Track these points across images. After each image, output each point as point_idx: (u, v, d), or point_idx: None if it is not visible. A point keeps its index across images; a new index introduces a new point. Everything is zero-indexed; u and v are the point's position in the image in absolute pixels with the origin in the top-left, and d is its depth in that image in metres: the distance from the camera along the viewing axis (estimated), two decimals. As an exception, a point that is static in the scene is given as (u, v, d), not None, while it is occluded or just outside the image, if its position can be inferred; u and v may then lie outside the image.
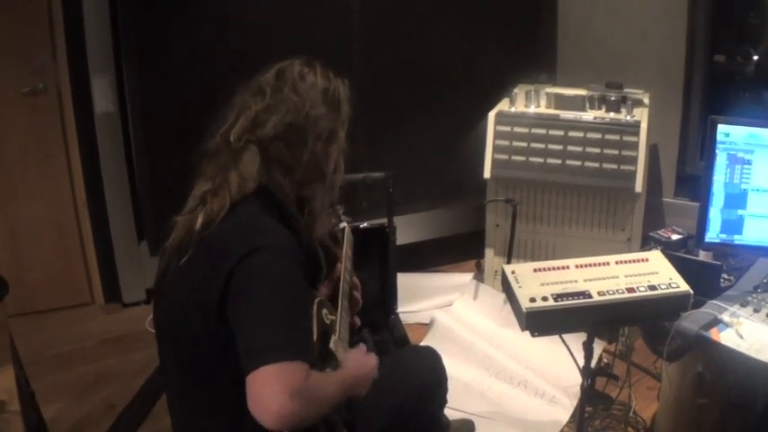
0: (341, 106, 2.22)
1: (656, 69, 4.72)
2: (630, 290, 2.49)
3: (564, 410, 3.54)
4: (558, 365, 3.54)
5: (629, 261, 2.65)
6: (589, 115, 4.16)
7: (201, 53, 4.10)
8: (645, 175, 4.05)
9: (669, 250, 3.10)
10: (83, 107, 4.26)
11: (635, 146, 3.98)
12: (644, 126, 4.00)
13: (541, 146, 4.14)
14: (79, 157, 4.37)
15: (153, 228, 4.34)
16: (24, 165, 4.34)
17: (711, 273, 3.05)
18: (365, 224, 3.93)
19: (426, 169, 4.82)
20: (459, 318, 4.28)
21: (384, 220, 3.93)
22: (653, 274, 2.57)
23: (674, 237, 3.77)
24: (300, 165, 2.14)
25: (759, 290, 2.92)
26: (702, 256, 3.25)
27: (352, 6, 4.46)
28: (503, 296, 4.06)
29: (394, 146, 4.58)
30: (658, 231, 3.89)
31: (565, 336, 2.62)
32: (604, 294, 2.47)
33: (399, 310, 4.21)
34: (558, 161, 4.11)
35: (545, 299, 2.45)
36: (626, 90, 4.30)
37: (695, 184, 4.63)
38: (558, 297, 2.46)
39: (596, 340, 2.67)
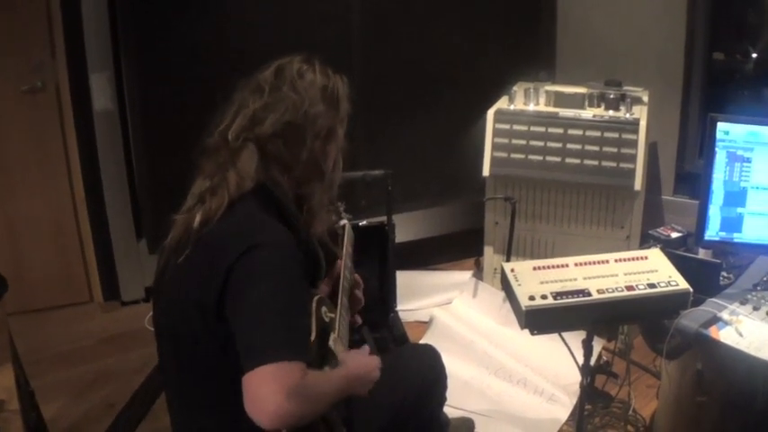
0: (340, 104, 2.22)
1: (655, 67, 4.72)
2: (630, 288, 2.49)
3: (563, 408, 3.54)
4: (558, 363, 3.53)
5: (629, 259, 2.66)
6: (588, 113, 4.16)
7: (201, 50, 4.09)
8: (644, 172, 4.04)
9: (668, 248, 3.10)
10: (82, 105, 4.26)
11: (634, 144, 3.98)
12: (643, 124, 4.00)
13: (540, 144, 4.13)
14: (78, 155, 4.37)
15: (152, 226, 4.34)
16: (23, 162, 4.34)
17: (711, 271, 3.06)
18: (364, 222, 3.92)
19: (425, 167, 4.81)
20: (458, 316, 4.28)
21: (383, 218, 3.93)
22: (652, 272, 2.57)
23: (674, 235, 3.77)
24: (299, 163, 2.13)
25: (758, 288, 2.92)
26: (702, 253, 3.26)
27: (352, 5, 4.45)
28: (502, 294, 4.06)
29: (393, 143, 4.57)
30: (658, 229, 3.89)
31: (564, 334, 2.62)
32: (604, 292, 2.47)
33: (398, 308, 4.21)
34: (558, 159, 4.11)
35: (544, 297, 2.46)
36: (625, 88, 4.30)
37: (694, 181, 4.63)
38: (557, 295, 2.46)
39: (595, 338, 2.67)
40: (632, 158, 3.98)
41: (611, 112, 4.15)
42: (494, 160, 4.20)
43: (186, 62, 4.09)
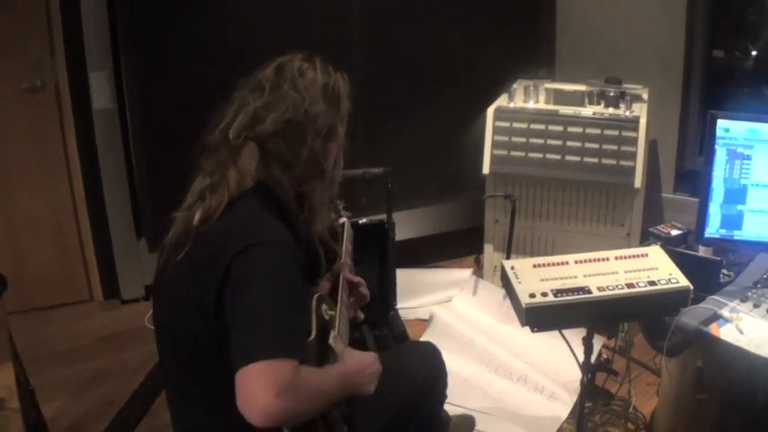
0: (340, 102, 2.22)
1: (655, 65, 4.71)
2: (630, 285, 2.49)
3: (563, 406, 3.54)
4: (558, 361, 3.54)
5: (629, 256, 2.65)
6: (588, 111, 4.16)
7: (200, 49, 4.10)
8: (644, 170, 4.04)
9: (669, 246, 3.10)
10: (81, 104, 4.26)
11: (634, 141, 3.98)
12: (643, 121, 4.00)
13: (540, 141, 4.13)
14: (78, 154, 4.38)
15: (151, 224, 4.35)
16: (23, 161, 4.34)
17: (711, 268, 3.05)
18: (364, 220, 3.92)
19: (425, 165, 4.82)
20: (458, 313, 4.28)
21: (383, 216, 3.94)
22: (652, 269, 2.57)
23: (674, 232, 3.76)
24: (299, 161, 2.13)
25: (759, 285, 2.92)
26: (702, 251, 3.25)
27: (352, 4, 4.46)
28: (502, 292, 4.06)
29: (393, 141, 4.58)
30: (658, 227, 3.88)
31: (564, 331, 2.62)
32: (604, 290, 2.47)
33: (399, 305, 4.22)
34: (557, 157, 4.11)
35: (545, 294, 2.45)
36: (625, 85, 4.30)
37: (694, 179, 4.63)
38: (557, 293, 2.46)
39: (596, 336, 2.67)
40: (632, 156, 3.98)
41: (610, 110, 4.15)
42: (494, 158, 4.20)
43: (186, 61, 4.09)
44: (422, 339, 3.90)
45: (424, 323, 4.23)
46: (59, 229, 4.52)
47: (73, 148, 4.38)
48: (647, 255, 2.66)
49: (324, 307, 2.16)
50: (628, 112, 4.09)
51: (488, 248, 4.49)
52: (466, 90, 4.70)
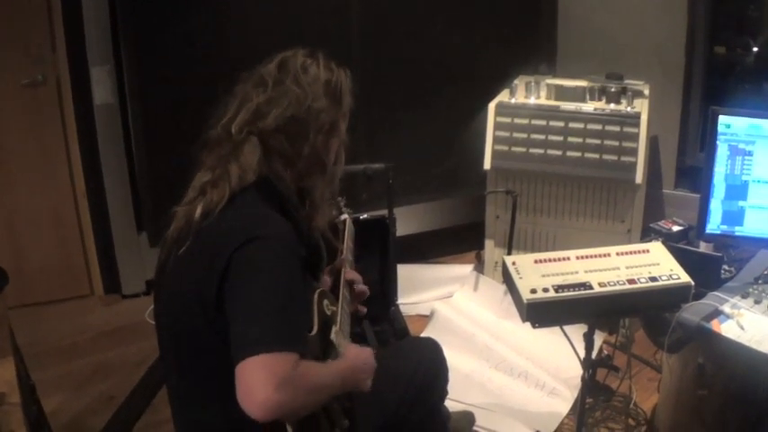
0: (343, 98, 2.21)
1: (656, 61, 4.71)
2: (631, 281, 2.49)
3: (564, 402, 3.55)
4: (559, 357, 3.54)
5: (630, 252, 2.66)
6: (589, 106, 4.16)
7: (201, 44, 4.10)
8: (645, 166, 4.04)
9: (670, 241, 3.10)
10: (82, 98, 4.26)
11: (635, 137, 3.97)
12: (644, 117, 3.99)
13: (542, 137, 4.13)
14: (78, 149, 4.38)
15: (152, 219, 4.34)
16: (24, 156, 4.34)
17: (712, 264, 3.06)
18: (365, 216, 3.92)
19: (426, 160, 4.81)
20: (459, 309, 4.28)
21: (384, 212, 3.93)
22: (654, 265, 2.57)
23: (675, 228, 3.77)
24: (301, 157, 2.13)
25: (760, 281, 2.92)
26: (703, 247, 3.26)
27: (351, -2, 4.46)
28: (503, 287, 4.06)
29: (394, 137, 4.57)
30: (659, 223, 3.89)
31: (565, 327, 2.62)
32: (605, 286, 2.48)
33: (399, 301, 4.22)
34: (559, 152, 4.11)
35: (546, 290, 2.46)
36: (626, 81, 4.29)
37: (695, 175, 4.62)
38: (558, 288, 2.46)
39: (597, 332, 2.66)
40: (633, 152, 3.98)
41: (612, 106, 4.15)
42: (495, 153, 4.19)
43: (186, 56, 4.09)
44: (423, 335, 3.90)
45: (425, 319, 4.23)
46: (60, 223, 4.53)
47: (74, 142, 4.38)
48: (648, 251, 2.66)
49: (325, 302, 2.17)
50: (629, 108, 4.09)
51: (489, 244, 4.49)
52: (467, 86, 4.69)
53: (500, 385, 3.69)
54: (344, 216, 2.89)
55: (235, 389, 1.75)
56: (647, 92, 4.33)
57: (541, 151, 4.13)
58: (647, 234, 3.94)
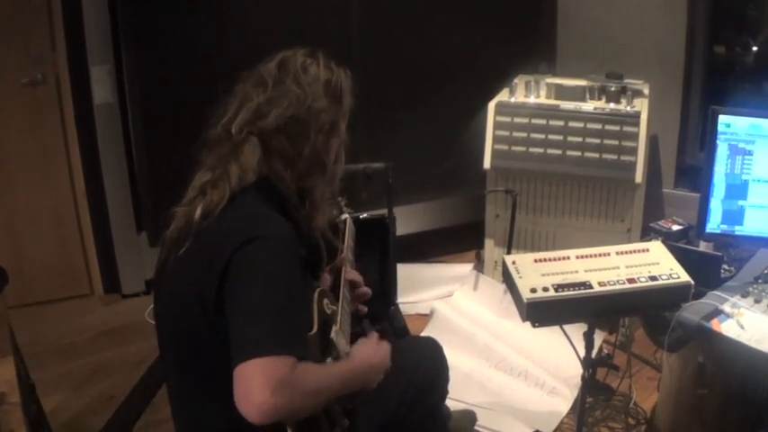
0: (343, 98, 2.21)
1: (656, 60, 4.71)
2: (631, 280, 2.49)
3: (564, 401, 3.55)
4: (559, 356, 3.54)
5: (630, 252, 2.66)
6: (589, 106, 4.16)
7: (201, 43, 4.09)
8: (645, 165, 4.04)
9: (670, 241, 3.10)
10: (82, 97, 4.26)
11: (635, 136, 3.98)
12: (644, 117, 3.99)
13: (541, 136, 4.13)
14: (78, 148, 4.38)
15: (152, 219, 4.34)
16: (23, 155, 4.34)
17: (712, 263, 3.05)
18: (365, 215, 3.92)
19: (426, 160, 4.81)
20: (459, 308, 4.28)
21: (384, 211, 3.93)
22: (654, 264, 2.57)
23: (675, 227, 3.76)
24: (301, 157, 2.13)
25: (760, 280, 2.92)
26: (703, 246, 3.25)
27: (351, -3, 4.46)
28: (503, 287, 4.06)
29: (394, 136, 4.57)
30: (659, 222, 3.88)
31: (565, 326, 2.62)
32: (605, 285, 2.47)
33: (399, 300, 4.21)
34: (558, 152, 4.11)
35: (546, 289, 2.46)
36: (626, 81, 4.29)
37: (695, 174, 4.62)
38: (558, 287, 2.46)
39: (596, 331, 2.66)
40: (633, 151, 3.98)
41: (611, 105, 4.15)
42: (494, 153, 4.19)
43: (187, 55, 4.08)
44: (423, 334, 3.90)
45: (425, 318, 4.23)
46: (60, 223, 4.53)
47: (74, 142, 4.37)
48: (648, 250, 2.66)
49: (325, 301, 2.16)
50: (629, 108, 4.09)
51: (489, 243, 4.49)
52: (467, 85, 4.69)
53: (500, 384, 3.69)
54: (345, 215, 2.89)
55: (233, 388, 1.75)
56: (646, 91, 4.33)
57: (541, 150, 4.13)
58: (646, 233, 3.93)
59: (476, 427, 3.32)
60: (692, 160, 4.81)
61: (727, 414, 2.77)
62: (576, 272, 2.54)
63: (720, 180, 2.95)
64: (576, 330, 2.65)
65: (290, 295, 1.88)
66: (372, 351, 2.19)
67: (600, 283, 2.48)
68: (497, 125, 4.19)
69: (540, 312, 2.47)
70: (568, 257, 2.63)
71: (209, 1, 4.15)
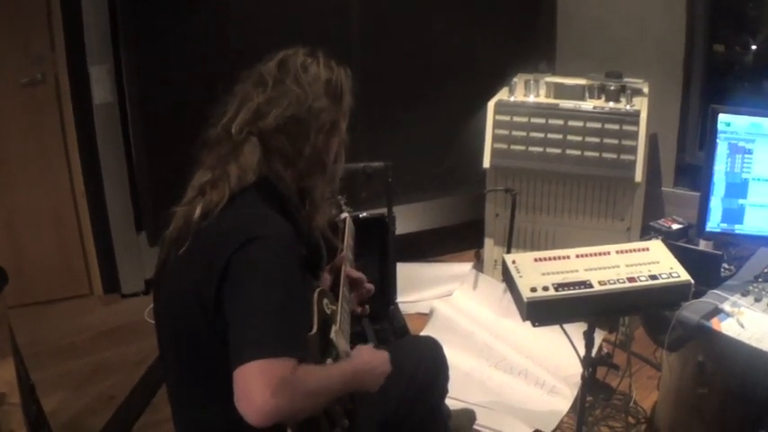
0: (343, 97, 2.21)
1: (655, 59, 4.71)
2: (631, 279, 2.49)
3: (564, 400, 3.55)
4: (559, 355, 3.53)
5: (630, 250, 2.65)
6: (588, 105, 4.16)
7: (200, 43, 4.09)
8: (644, 164, 4.04)
9: (669, 240, 3.10)
10: (81, 97, 4.26)
11: (634, 135, 3.98)
12: (643, 115, 3.99)
13: (541, 135, 4.13)
14: (78, 148, 4.37)
15: (152, 218, 4.34)
16: (23, 155, 4.33)
17: (712, 262, 3.06)
18: (364, 214, 3.92)
19: (426, 159, 4.81)
20: (458, 307, 4.28)
21: (383, 210, 3.93)
22: (654, 263, 2.57)
23: (675, 226, 3.76)
24: (302, 157, 2.13)
25: (760, 279, 2.93)
26: (703, 245, 3.25)
27: (351, -4, 4.46)
28: (502, 286, 4.07)
29: (393, 135, 4.57)
30: (659, 221, 3.88)
31: (565, 325, 2.62)
32: (605, 284, 2.47)
33: (399, 300, 4.22)
34: (558, 150, 4.11)
35: (546, 288, 2.45)
36: (625, 79, 4.29)
37: (695, 173, 4.62)
38: (558, 287, 2.46)
39: (597, 330, 2.66)
40: (633, 150, 3.98)
41: (611, 104, 4.15)
42: (494, 152, 4.19)
43: (186, 54, 4.08)
44: (422, 333, 3.90)
45: (425, 317, 4.23)
46: (59, 222, 4.52)
47: (73, 142, 4.37)
48: (648, 249, 2.66)
49: (325, 301, 2.17)
50: (628, 106, 4.09)
51: (489, 242, 4.49)
52: (466, 84, 4.69)
53: (500, 383, 3.69)
54: (345, 214, 2.89)
55: (233, 388, 1.75)
56: (646, 90, 4.33)
57: (541, 149, 4.13)
58: (646, 232, 3.93)
59: (476, 427, 3.32)
60: (691, 159, 4.81)
61: (727, 413, 2.77)
62: (576, 271, 2.54)
63: (720, 179, 2.95)
64: (576, 329, 2.65)
65: (289, 296, 1.88)
66: (374, 354, 2.19)
67: (600, 283, 2.47)
68: (497, 124, 4.19)
69: (541, 311, 2.46)
70: (568, 256, 2.62)
71: (208, 1, 4.15)
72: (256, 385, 1.71)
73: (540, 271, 2.55)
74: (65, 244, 4.56)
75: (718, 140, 2.92)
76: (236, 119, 2.11)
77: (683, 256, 2.61)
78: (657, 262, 2.57)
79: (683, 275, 2.50)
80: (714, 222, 2.99)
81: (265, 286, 1.87)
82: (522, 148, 4.16)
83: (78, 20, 4.10)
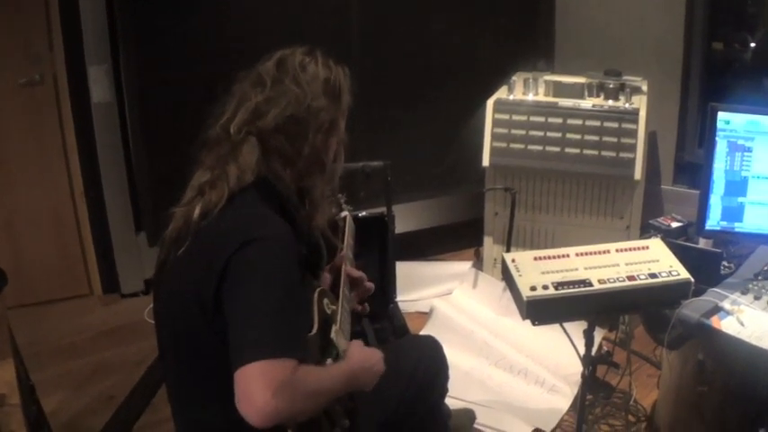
0: (342, 96, 2.21)
1: (654, 57, 4.71)
2: (631, 278, 2.49)
3: (564, 399, 3.55)
4: (559, 354, 3.53)
5: (630, 249, 2.65)
6: (588, 103, 4.15)
7: (199, 42, 4.08)
8: (644, 162, 4.04)
9: (669, 238, 3.10)
10: (80, 97, 4.25)
11: (634, 133, 3.98)
12: (642, 113, 3.99)
13: (540, 134, 4.13)
14: (76, 148, 4.37)
15: (151, 218, 4.33)
16: (22, 155, 4.33)
17: (712, 260, 3.06)
18: (364, 213, 3.91)
19: (425, 158, 4.81)
20: (458, 306, 4.28)
21: (383, 209, 3.93)
22: (653, 261, 2.57)
23: (674, 224, 3.77)
24: (301, 156, 2.12)
25: (760, 277, 2.92)
26: (702, 243, 3.26)
27: (351, -5, 4.46)
28: (502, 284, 4.07)
29: (392, 134, 4.57)
30: (658, 219, 3.89)
31: (565, 324, 2.62)
32: (605, 282, 2.47)
33: (398, 298, 4.21)
34: (557, 149, 4.11)
35: (545, 287, 2.45)
36: (624, 77, 4.29)
37: (694, 171, 4.63)
38: (558, 285, 2.46)
39: (597, 328, 2.66)
40: (632, 148, 3.98)
41: (610, 102, 4.15)
42: (493, 150, 4.19)
43: (185, 54, 4.07)
44: (422, 333, 3.90)
45: (425, 316, 4.23)
46: (58, 223, 4.52)
47: (72, 142, 4.37)
48: (647, 247, 2.66)
49: (326, 301, 2.16)
50: (627, 104, 4.09)
51: (488, 241, 4.49)
52: (465, 82, 4.69)
53: (500, 382, 3.69)
54: (345, 213, 2.89)
55: (233, 388, 1.75)
56: (645, 88, 4.33)
57: (540, 148, 4.13)
58: (646, 230, 3.93)
59: (476, 426, 3.32)
60: (690, 157, 4.81)
61: (727, 411, 2.77)
62: (576, 269, 2.54)
63: (720, 177, 2.94)
64: (576, 328, 2.65)
65: (289, 296, 1.88)
66: (368, 353, 2.19)
67: (600, 281, 2.47)
68: (496, 123, 4.18)
69: (540, 310, 2.46)
70: (568, 255, 2.62)
71: (207, 0, 4.14)
72: (257, 386, 1.71)
73: (539, 269, 2.55)
74: (64, 244, 4.56)
75: (717, 138, 2.91)
76: (235, 119, 2.11)
77: (683, 255, 2.61)
78: (657, 260, 2.57)
79: (683, 274, 2.50)
80: (714, 220, 2.99)
81: (265, 287, 1.86)
82: (522, 146, 4.16)
83: (76, 20, 4.09)
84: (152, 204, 4.28)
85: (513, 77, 4.44)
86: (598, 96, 4.22)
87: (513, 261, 2.60)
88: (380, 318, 3.95)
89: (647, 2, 4.71)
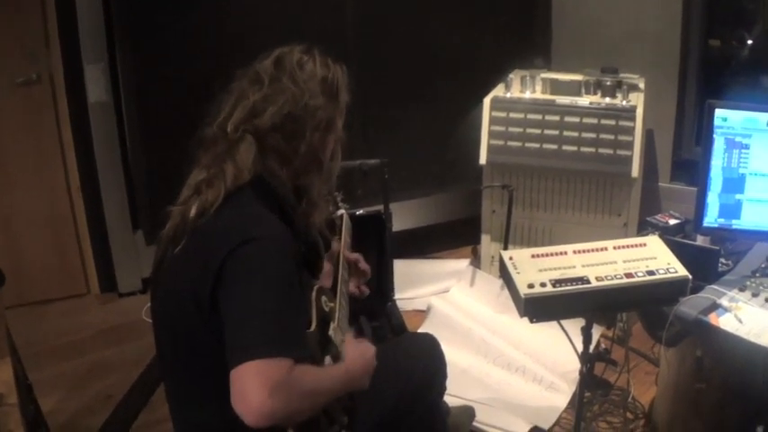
0: (339, 95, 2.20)
1: (651, 54, 4.71)
2: (629, 275, 2.48)
3: (562, 396, 3.55)
4: (557, 351, 3.53)
5: (628, 246, 2.65)
6: (585, 100, 4.15)
7: (196, 40, 4.08)
8: (641, 159, 4.04)
9: (667, 235, 3.10)
10: (76, 96, 4.25)
11: (631, 131, 3.97)
12: (640, 111, 3.99)
13: (537, 131, 4.12)
14: (73, 147, 4.37)
15: (148, 217, 4.33)
16: (19, 155, 4.33)
17: (709, 257, 3.05)
18: (361, 211, 3.91)
19: (422, 155, 4.80)
20: (456, 304, 4.28)
21: (380, 207, 3.93)
22: (651, 259, 2.57)
23: (672, 222, 3.77)
24: (298, 155, 2.12)
25: (757, 274, 2.92)
26: (700, 240, 3.25)
27: (348, -7, 4.45)
28: (500, 282, 4.06)
29: (389, 132, 4.56)
30: (656, 216, 3.89)
31: (563, 321, 2.62)
32: (603, 280, 2.47)
33: (396, 297, 4.21)
34: (554, 146, 4.10)
35: (543, 285, 2.45)
36: (621, 75, 4.29)
37: (691, 168, 4.62)
38: (556, 283, 2.46)
39: (594, 326, 2.66)
40: (629, 145, 3.98)
41: (607, 100, 4.14)
42: (491, 148, 4.19)
43: (182, 52, 4.07)
44: (420, 330, 3.90)
45: (422, 314, 4.22)
46: (56, 222, 4.52)
47: (68, 141, 4.37)
48: (645, 244, 2.66)
49: (324, 299, 2.16)
50: (624, 102, 4.09)
51: (485, 239, 4.49)
52: (462, 80, 4.69)
53: (498, 380, 3.69)
54: (341, 211, 2.89)
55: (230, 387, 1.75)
56: (642, 85, 4.33)
57: (537, 145, 4.13)
58: (643, 228, 3.93)
59: (474, 423, 3.32)
60: (688, 154, 4.81)
61: (726, 408, 2.77)
62: (574, 267, 2.54)
63: (717, 174, 2.94)
64: (574, 325, 2.65)
65: (285, 296, 1.88)
66: (362, 349, 2.19)
67: (597, 278, 2.47)
68: (493, 120, 4.18)
69: (538, 308, 2.46)
70: (565, 252, 2.62)
71: (205, -3, 4.15)
72: (253, 386, 1.71)
73: (537, 267, 2.54)
74: (61, 243, 4.56)
75: (714, 135, 2.91)
76: (232, 117, 2.11)
77: (681, 252, 2.61)
78: (655, 257, 2.57)
79: (681, 271, 2.50)
80: (711, 217, 2.99)
81: (260, 287, 1.86)
82: (519, 144, 4.16)
83: (73, 18, 4.09)
84: (149, 203, 4.28)
85: (511, 75, 4.44)
86: (595, 94, 4.22)
87: (511, 259, 2.60)
88: (378, 316, 3.96)
89: (643, -1, 4.72)
